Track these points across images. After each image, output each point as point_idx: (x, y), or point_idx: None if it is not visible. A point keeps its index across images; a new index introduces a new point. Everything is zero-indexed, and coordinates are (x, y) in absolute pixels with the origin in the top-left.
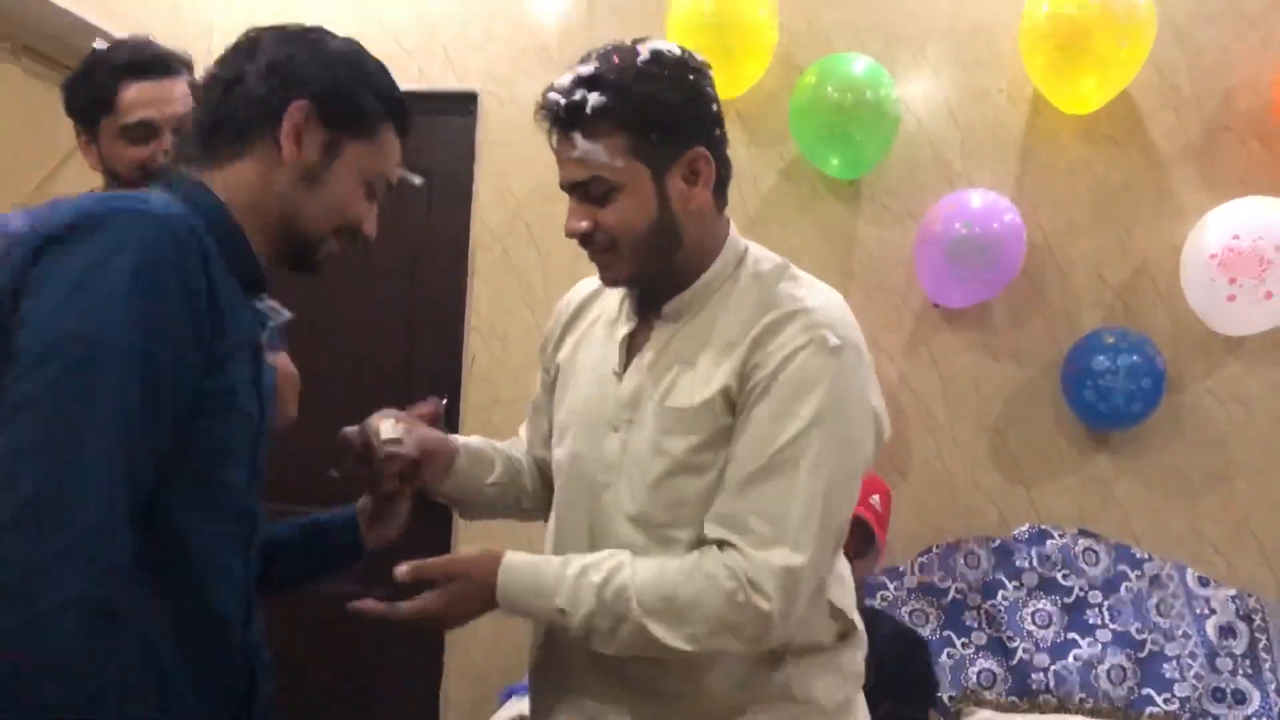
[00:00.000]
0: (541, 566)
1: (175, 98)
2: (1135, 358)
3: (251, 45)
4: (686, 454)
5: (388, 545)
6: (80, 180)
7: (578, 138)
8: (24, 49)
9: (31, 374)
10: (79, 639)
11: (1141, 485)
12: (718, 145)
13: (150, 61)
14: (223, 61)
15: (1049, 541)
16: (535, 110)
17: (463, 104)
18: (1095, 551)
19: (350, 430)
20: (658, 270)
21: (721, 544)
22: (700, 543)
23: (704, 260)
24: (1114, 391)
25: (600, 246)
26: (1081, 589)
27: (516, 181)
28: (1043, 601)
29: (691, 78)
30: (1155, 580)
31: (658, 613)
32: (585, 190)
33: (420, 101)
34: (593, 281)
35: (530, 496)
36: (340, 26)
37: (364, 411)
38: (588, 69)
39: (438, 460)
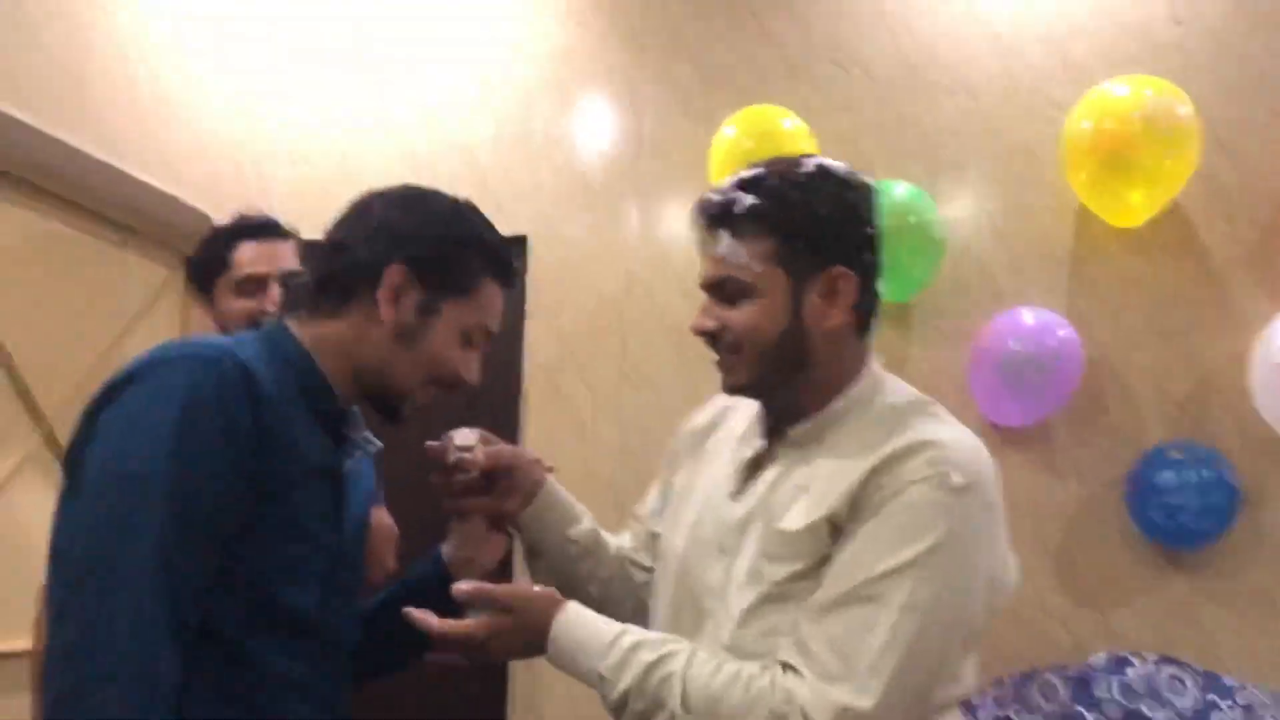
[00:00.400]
0: (599, 626)
1: (283, 256)
2: (1205, 472)
3: (364, 207)
4: (784, 581)
5: (481, 574)
6: (149, 340)
7: (723, 235)
8: (92, 215)
9: (82, 512)
10: None
11: (1224, 607)
12: (867, 269)
13: (261, 224)
14: (337, 223)
15: (1129, 670)
16: (691, 212)
17: (513, 248)
18: (1181, 679)
19: (435, 442)
20: (779, 383)
21: (787, 666)
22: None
23: (836, 385)
24: (1183, 509)
25: (725, 348)
26: None
27: (566, 319)
28: None
29: (849, 195)
30: (1249, 710)
31: (698, 713)
32: (720, 289)
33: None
34: (725, 400)
35: (602, 583)
36: (394, 178)
37: (421, 548)
38: (750, 173)
39: (515, 478)
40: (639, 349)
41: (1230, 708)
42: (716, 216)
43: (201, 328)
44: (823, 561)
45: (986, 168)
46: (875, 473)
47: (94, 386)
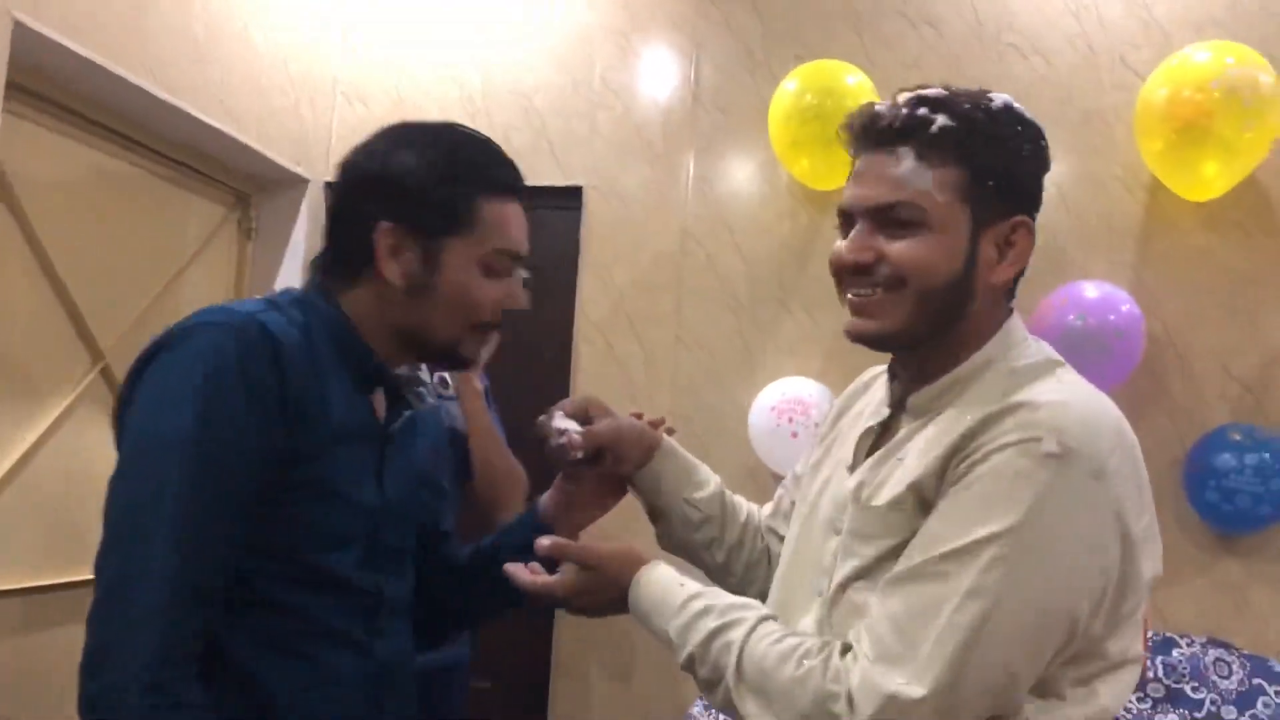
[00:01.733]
0: (673, 588)
1: None
2: (1265, 456)
3: (346, 168)
4: (873, 561)
5: (579, 529)
6: (205, 279)
7: (906, 154)
8: (154, 154)
9: (119, 473)
10: (140, 714)
11: (1277, 592)
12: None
13: None
14: (332, 191)
15: (1175, 651)
16: (842, 124)
17: (568, 198)
18: (1227, 663)
19: (541, 419)
20: (925, 337)
21: (848, 646)
22: None
23: (972, 346)
24: (1240, 492)
25: (880, 283)
26: (1213, 703)
27: (619, 274)
28: (1170, 716)
29: (1041, 142)
30: None
31: (752, 686)
32: (884, 216)
33: (525, 196)
34: (875, 370)
35: (728, 549)
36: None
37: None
38: (933, 93)
39: (621, 449)
40: (693, 310)
41: (1278, 693)
42: (900, 131)
43: (258, 264)
44: (910, 539)
45: (1056, 134)
46: (965, 438)
47: (151, 324)
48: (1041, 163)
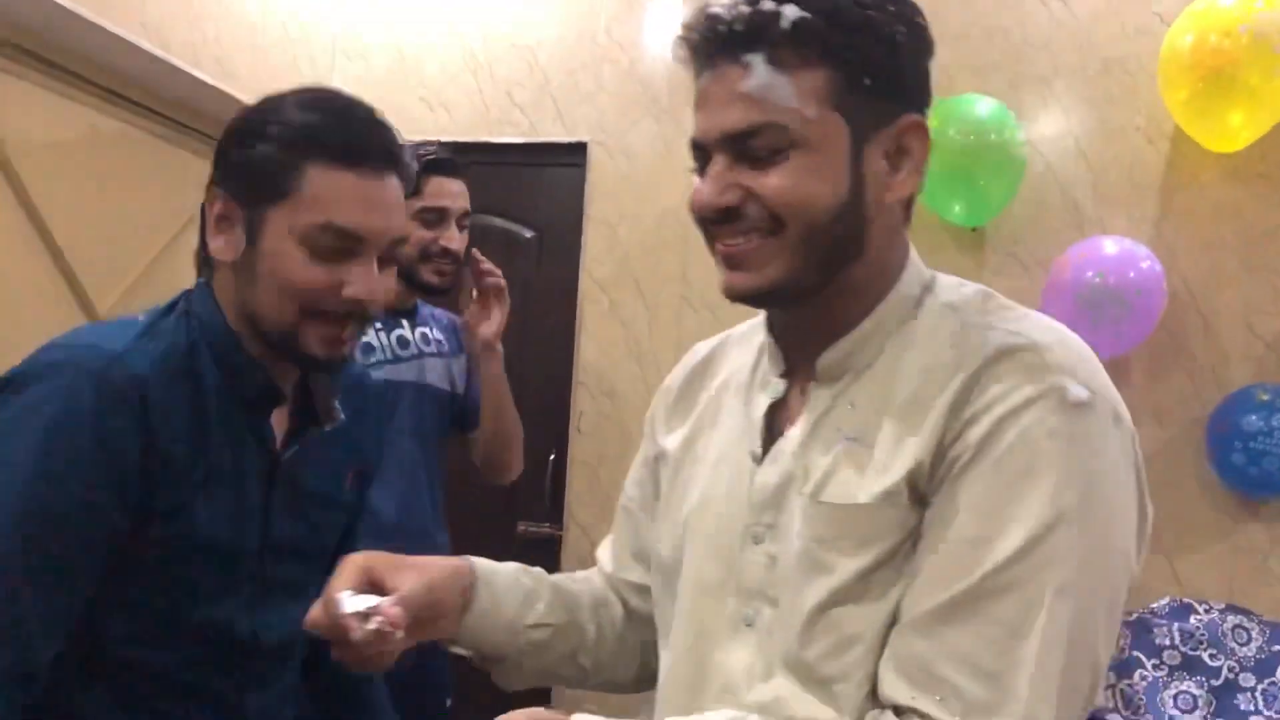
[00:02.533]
0: None
1: (462, 193)
2: None
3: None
4: (858, 576)
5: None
6: None
7: (756, 62)
8: (151, 113)
9: None
10: None
11: None
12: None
13: (450, 162)
14: None
15: (1193, 617)
16: (678, 35)
17: (572, 155)
18: (1246, 629)
19: (313, 614)
20: (823, 279)
21: (903, 710)
22: (871, 701)
23: (879, 287)
24: (1267, 455)
25: (754, 228)
26: (1231, 670)
27: (625, 232)
28: (1187, 683)
29: (919, 20)
30: None
31: None
32: (743, 145)
33: (529, 153)
34: (710, 342)
35: (593, 649)
36: (456, 83)
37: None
38: None
39: (444, 592)
40: (700, 270)
41: None
42: (744, 34)
43: None
44: (906, 540)
45: (1076, 84)
46: (961, 400)
47: (149, 286)
48: (923, 44)
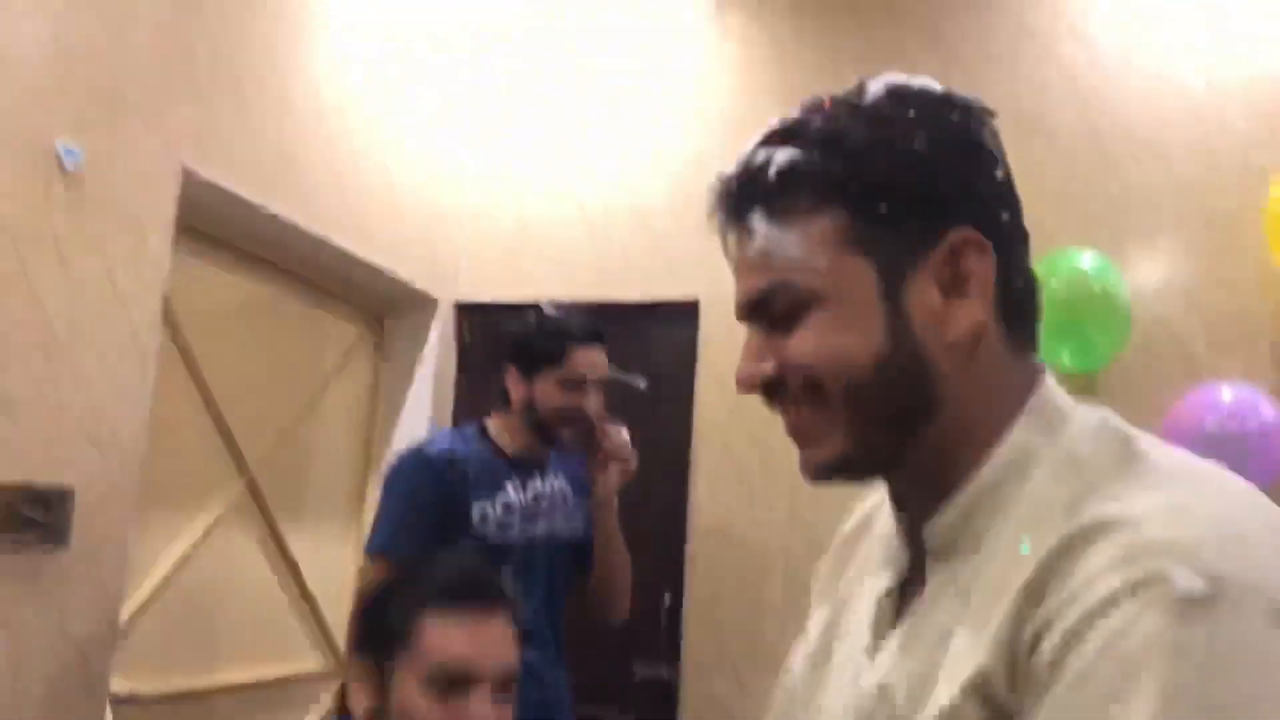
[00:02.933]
0: None
1: (603, 363)
2: None
3: None
4: None
5: None
6: (340, 400)
7: (757, 220)
8: (298, 280)
9: None
10: None
11: None
12: (1005, 230)
13: (595, 333)
14: None
15: None
16: (710, 198)
17: (685, 312)
18: None
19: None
20: (900, 443)
21: None
22: None
23: (979, 441)
24: None
25: (795, 400)
26: None
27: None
28: None
29: (955, 118)
30: None
31: None
32: (766, 310)
33: (644, 311)
34: (876, 497)
35: None
36: (575, 246)
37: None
38: (779, 121)
39: None
40: None
41: None
42: (741, 195)
43: (392, 379)
44: None
45: (1180, 235)
46: (1037, 588)
47: (292, 441)
48: (961, 143)
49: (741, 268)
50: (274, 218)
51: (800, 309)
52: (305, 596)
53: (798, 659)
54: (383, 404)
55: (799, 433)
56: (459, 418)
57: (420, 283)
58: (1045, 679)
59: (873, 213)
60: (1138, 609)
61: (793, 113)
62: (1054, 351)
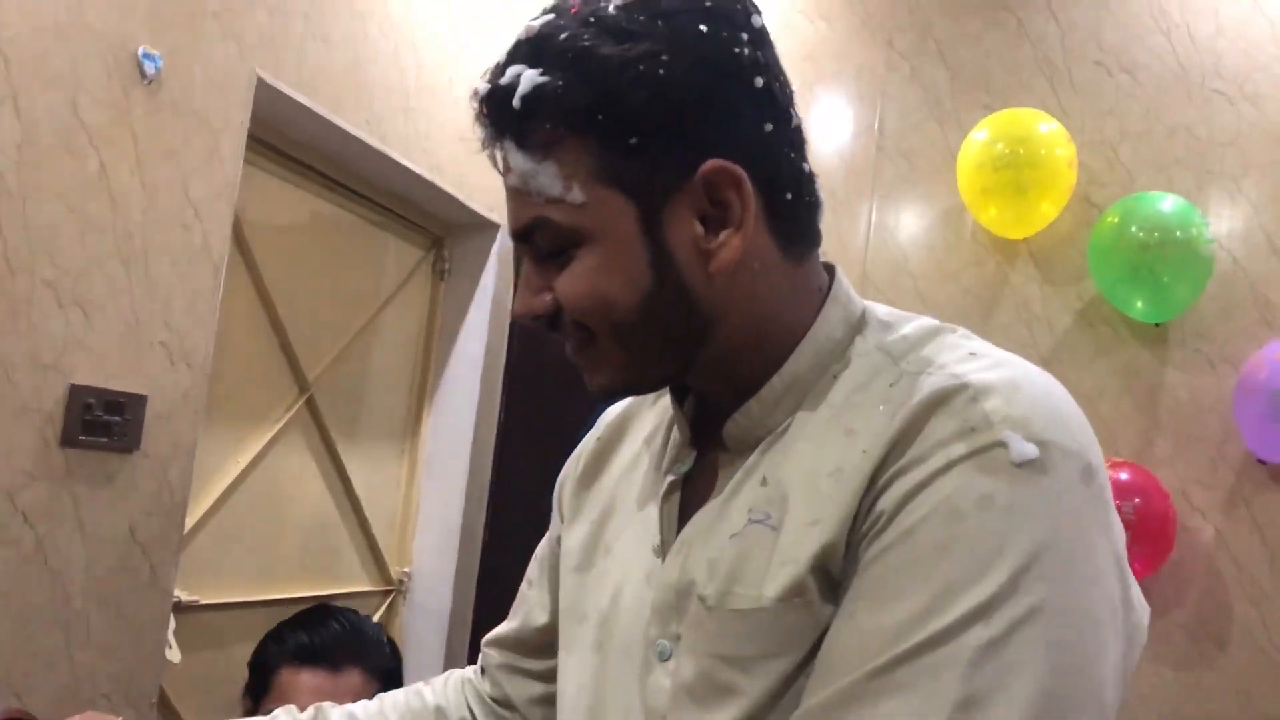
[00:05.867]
0: None
1: None
2: None
3: None
4: (766, 697)
5: None
6: (399, 321)
7: (510, 149)
8: (363, 199)
9: None
10: None
11: None
12: (769, 146)
13: None
14: None
15: None
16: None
17: None
18: None
19: None
20: (675, 369)
21: None
22: None
23: (781, 342)
24: None
25: (570, 334)
26: None
27: None
28: None
29: (706, 28)
30: None
31: None
32: (531, 246)
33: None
34: (624, 403)
35: None
36: None
37: None
38: (533, 26)
39: None
40: None
41: None
42: (491, 118)
43: (450, 303)
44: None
45: (1268, 182)
46: (881, 469)
47: (349, 359)
48: (716, 60)
49: (508, 193)
50: (342, 132)
51: (566, 245)
52: (357, 517)
53: (560, 571)
54: (440, 327)
55: (580, 359)
56: (514, 351)
57: (481, 206)
58: (876, 537)
59: (624, 145)
60: (974, 469)
61: (541, 15)
62: (1128, 298)
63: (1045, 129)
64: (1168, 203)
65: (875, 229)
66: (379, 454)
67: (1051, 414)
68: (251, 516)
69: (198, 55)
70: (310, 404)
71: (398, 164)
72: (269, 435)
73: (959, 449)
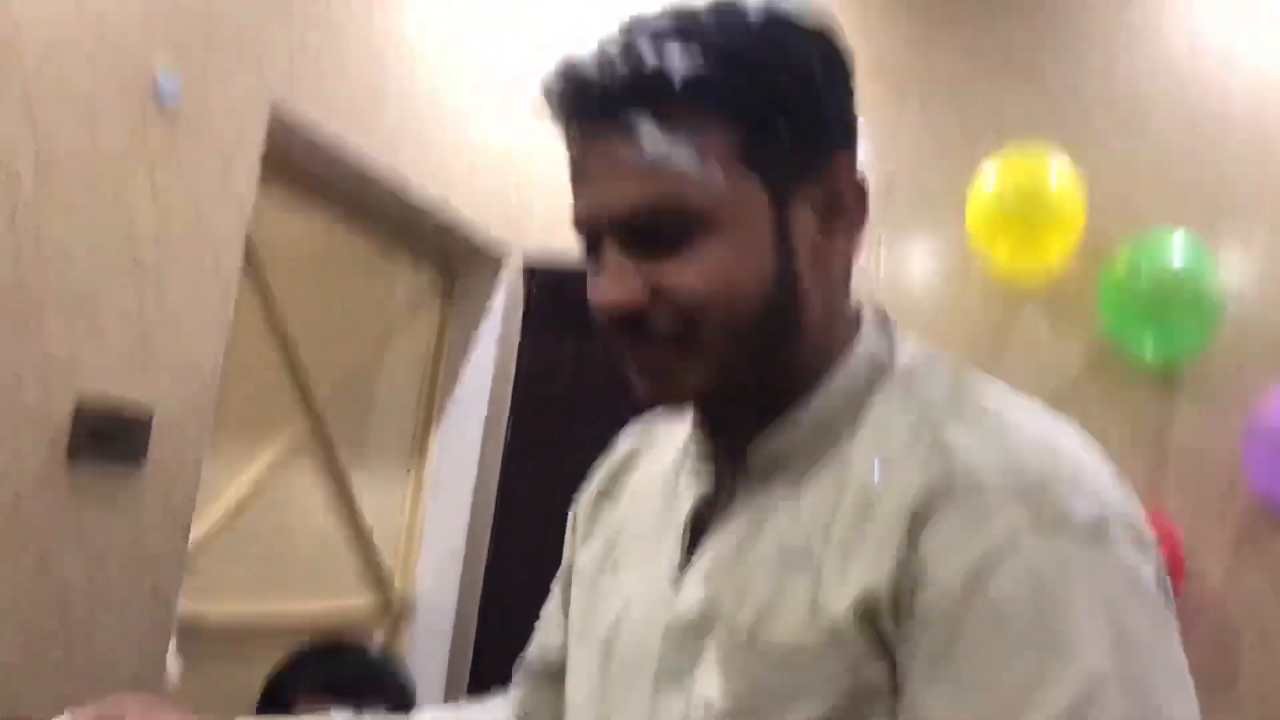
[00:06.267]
0: None
1: None
2: None
3: None
4: None
5: None
6: (407, 348)
7: (647, 128)
8: (375, 225)
9: None
10: None
11: None
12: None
13: None
14: None
15: None
16: (544, 90)
17: None
18: None
19: None
20: (752, 381)
21: None
22: None
23: (816, 364)
24: None
25: (664, 332)
26: None
27: None
28: None
29: (833, 41)
30: None
31: None
32: (640, 229)
33: None
34: (639, 428)
35: None
36: None
37: None
38: (656, 23)
39: None
40: None
41: None
42: (625, 96)
43: (457, 332)
44: (865, 688)
45: (1277, 226)
46: (921, 520)
47: (357, 383)
48: (843, 68)
49: (611, 175)
50: (356, 158)
51: (690, 228)
52: (361, 536)
53: (572, 594)
54: (447, 356)
55: (652, 370)
56: (521, 377)
57: (492, 238)
58: (946, 621)
59: (769, 130)
60: (1044, 541)
61: (662, 17)
62: (1137, 339)
63: (1056, 167)
64: (1177, 242)
65: (888, 269)
66: (384, 477)
67: (1088, 472)
68: (256, 534)
69: (215, 79)
70: (318, 424)
71: (410, 190)
72: (276, 454)
73: (1016, 515)
